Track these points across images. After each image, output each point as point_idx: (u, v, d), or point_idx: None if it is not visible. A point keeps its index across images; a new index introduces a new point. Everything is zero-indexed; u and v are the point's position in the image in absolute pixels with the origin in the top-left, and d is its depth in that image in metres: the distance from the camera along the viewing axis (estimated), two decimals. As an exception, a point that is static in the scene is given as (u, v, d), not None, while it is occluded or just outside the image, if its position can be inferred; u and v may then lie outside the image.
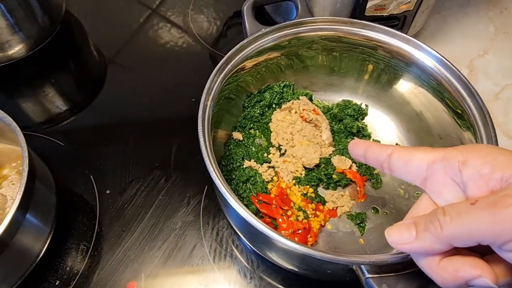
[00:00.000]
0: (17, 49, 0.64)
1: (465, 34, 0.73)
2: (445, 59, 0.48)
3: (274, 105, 0.57)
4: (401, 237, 0.29)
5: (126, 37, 0.73)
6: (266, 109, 0.57)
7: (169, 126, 0.61)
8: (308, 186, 0.50)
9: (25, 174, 0.42)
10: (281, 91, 0.57)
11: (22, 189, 0.41)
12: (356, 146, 0.36)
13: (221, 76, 0.47)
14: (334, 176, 0.52)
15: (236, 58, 0.49)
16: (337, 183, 0.52)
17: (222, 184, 0.37)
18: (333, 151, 0.53)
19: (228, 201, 0.37)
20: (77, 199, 0.53)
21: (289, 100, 0.57)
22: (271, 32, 0.50)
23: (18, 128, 0.43)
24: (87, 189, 0.53)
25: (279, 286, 0.47)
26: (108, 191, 0.53)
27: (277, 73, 0.57)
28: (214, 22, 0.77)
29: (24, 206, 0.42)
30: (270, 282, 0.47)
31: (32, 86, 0.66)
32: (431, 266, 0.28)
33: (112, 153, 0.57)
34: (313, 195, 0.50)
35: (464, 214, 0.25)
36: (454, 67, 0.47)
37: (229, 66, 0.48)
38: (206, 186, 0.54)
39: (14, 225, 0.41)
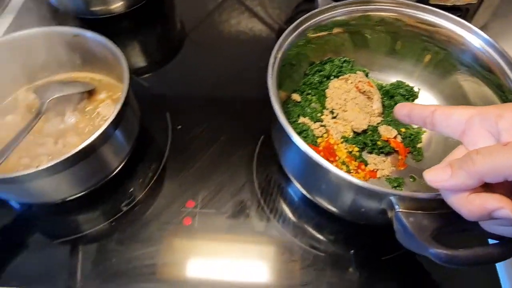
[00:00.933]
0: (118, 4, 0.75)
1: (528, 40, 0.74)
2: (508, 55, 0.49)
3: (332, 77, 0.63)
4: (437, 176, 0.32)
5: (203, 16, 0.81)
6: (325, 79, 0.63)
7: (238, 88, 0.69)
8: (354, 145, 0.56)
9: (124, 94, 0.50)
10: (341, 65, 0.63)
11: (119, 107, 0.49)
12: (402, 107, 0.41)
13: (289, 39, 0.53)
14: (378, 142, 0.56)
15: (303, 27, 0.55)
16: (381, 150, 0.56)
17: (281, 115, 0.44)
18: (381, 121, 0.58)
19: (285, 128, 0.42)
20: (154, 130, 0.63)
21: (347, 74, 0.63)
22: (339, 7, 0.56)
23: (123, 56, 0.53)
24: (163, 123, 0.63)
25: (311, 229, 0.53)
26: (179, 127, 0.62)
27: (339, 48, 0.62)
28: (286, 8, 0.84)
29: (116, 122, 0.50)
30: (303, 225, 0.54)
31: (125, 38, 0.77)
32: (459, 200, 0.31)
33: (187, 99, 0.67)
34: (357, 153, 0.55)
35: (495, 152, 0.29)
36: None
37: (298, 32, 0.54)
38: (263, 136, 0.61)
39: (105, 135, 0.48)
